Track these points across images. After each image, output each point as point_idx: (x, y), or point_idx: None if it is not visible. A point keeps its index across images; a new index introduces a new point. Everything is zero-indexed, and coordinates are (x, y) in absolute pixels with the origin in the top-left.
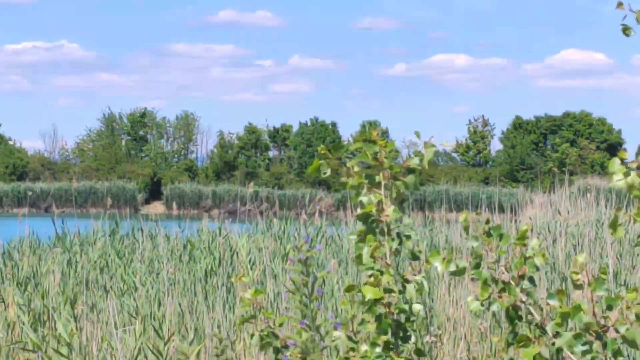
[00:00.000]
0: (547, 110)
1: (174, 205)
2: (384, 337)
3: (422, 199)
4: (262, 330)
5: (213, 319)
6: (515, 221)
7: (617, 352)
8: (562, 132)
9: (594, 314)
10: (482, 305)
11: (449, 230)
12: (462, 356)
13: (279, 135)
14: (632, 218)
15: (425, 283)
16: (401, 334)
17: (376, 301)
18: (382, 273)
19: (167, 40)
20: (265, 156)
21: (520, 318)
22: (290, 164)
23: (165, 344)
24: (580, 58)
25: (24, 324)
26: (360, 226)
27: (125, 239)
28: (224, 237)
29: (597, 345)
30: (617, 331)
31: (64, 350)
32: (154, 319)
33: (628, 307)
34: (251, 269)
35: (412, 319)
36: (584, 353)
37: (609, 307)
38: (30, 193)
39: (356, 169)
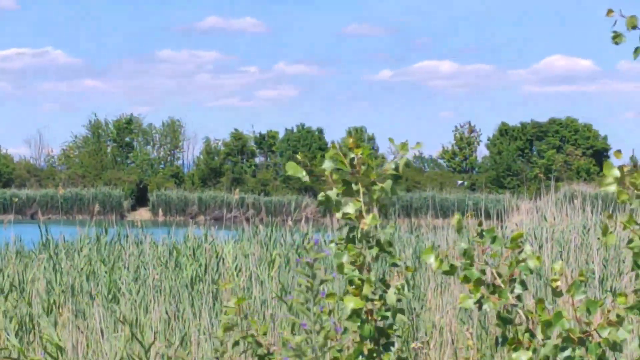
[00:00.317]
0: (533, 116)
1: (160, 212)
2: (368, 345)
3: (408, 205)
4: (244, 338)
5: (199, 325)
6: (502, 227)
7: (601, 357)
8: (548, 139)
9: (577, 319)
10: (475, 303)
11: (435, 236)
12: None
13: (265, 142)
14: (622, 225)
15: (406, 288)
16: (384, 341)
17: (358, 309)
18: (363, 282)
19: (153, 46)
20: (252, 162)
21: (511, 321)
22: (276, 171)
23: (146, 351)
24: (566, 64)
25: (8, 333)
26: (340, 233)
27: (111, 245)
28: (210, 243)
29: (580, 351)
30: (599, 335)
31: (50, 357)
32: (139, 326)
33: (609, 311)
34: (237, 275)
35: (394, 326)
36: (567, 359)
37: (589, 311)
38: (16, 200)
39: (335, 176)
